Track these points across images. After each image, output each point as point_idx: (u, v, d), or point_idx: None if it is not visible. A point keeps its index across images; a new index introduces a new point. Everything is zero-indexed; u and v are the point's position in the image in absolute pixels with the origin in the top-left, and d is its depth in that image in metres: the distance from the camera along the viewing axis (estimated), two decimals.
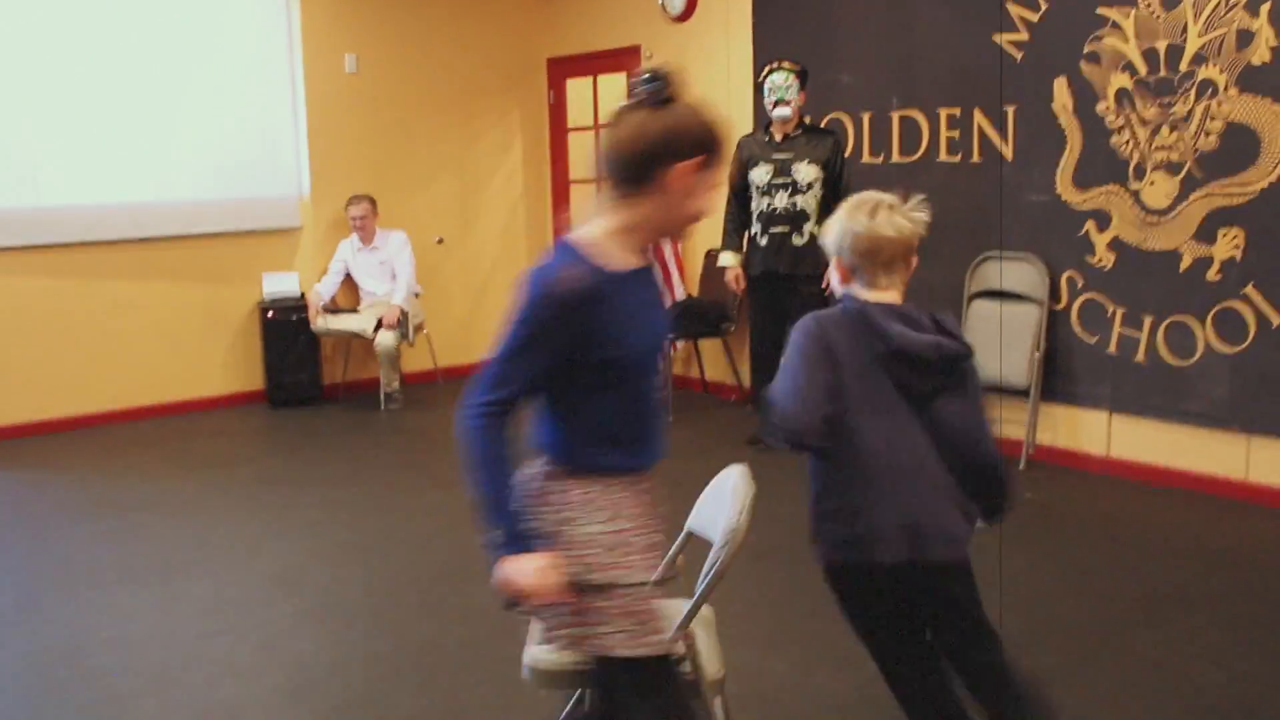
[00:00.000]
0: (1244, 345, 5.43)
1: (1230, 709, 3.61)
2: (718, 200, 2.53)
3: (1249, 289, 5.39)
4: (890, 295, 2.69)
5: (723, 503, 2.87)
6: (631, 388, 2.39)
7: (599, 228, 2.34)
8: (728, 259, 6.57)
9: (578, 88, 8.90)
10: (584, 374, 2.33)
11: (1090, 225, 5.90)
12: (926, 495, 2.65)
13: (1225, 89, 5.35)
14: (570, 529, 2.40)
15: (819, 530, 2.76)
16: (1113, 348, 5.89)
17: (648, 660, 2.40)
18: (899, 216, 2.66)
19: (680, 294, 7.77)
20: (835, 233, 2.72)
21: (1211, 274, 5.50)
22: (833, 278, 2.77)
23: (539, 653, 2.77)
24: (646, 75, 2.28)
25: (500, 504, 2.34)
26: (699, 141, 2.28)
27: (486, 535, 2.34)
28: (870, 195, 2.72)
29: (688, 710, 2.55)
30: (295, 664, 4.05)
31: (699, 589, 2.69)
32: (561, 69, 8.97)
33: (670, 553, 2.98)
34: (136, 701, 3.79)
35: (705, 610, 2.79)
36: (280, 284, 8.06)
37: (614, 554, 2.41)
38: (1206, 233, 5.50)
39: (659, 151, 2.25)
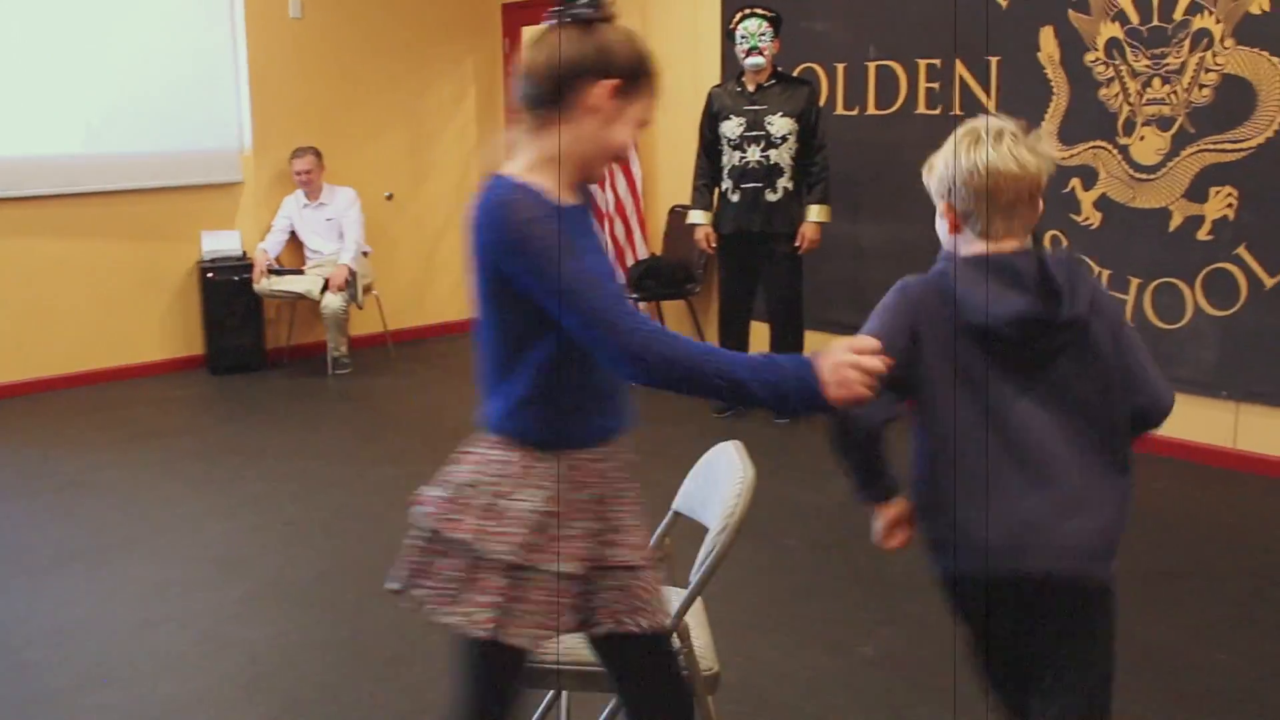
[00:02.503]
0: (1235, 308, 5.28)
1: (1235, 691, 3.50)
2: (637, 136, 2.17)
3: (1241, 250, 5.23)
4: (1008, 245, 2.22)
5: (715, 483, 2.69)
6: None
7: (521, 163, 2.12)
8: (697, 217, 6.30)
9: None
10: (533, 318, 2.07)
11: (1076, 182, 5.71)
12: (1029, 491, 2.19)
13: (1221, 40, 5.15)
14: (504, 502, 2.15)
15: (920, 529, 2.40)
16: None
17: (506, 648, 2.17)
18: (1024, 149, 2.19)
19: (642, 253, 7.50)
20: (943, 169, 2.25)
21: (1202, 234, 5.33)
22: (940, 227, 2.32)
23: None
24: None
25: (763, 373, 2.04)
26: (622, 64, 2.08)
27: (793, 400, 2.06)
28: (988, 122, 2.25)
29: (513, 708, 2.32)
30: (245, 654, 3.81)
31: (693, 578, 2.50)
32: (517, 16, 8.65)
33: (656, 534, 2.83)
34: (73, 698, 3.55)
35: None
36: (220, 242, 7.70)
37: (541, 537, 2.15)
38: (1198, 191, 5.32)
39: (575, 68, 2.06)
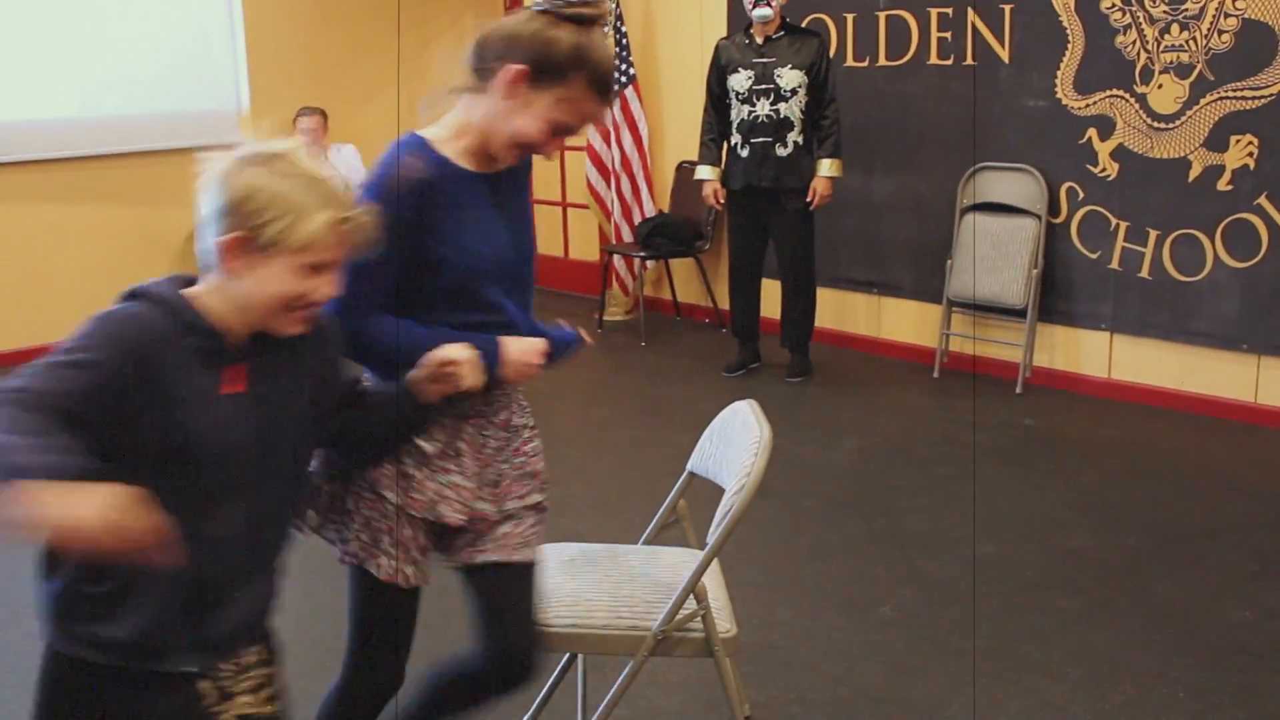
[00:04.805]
0: (1256, 260, 5.18)
1: (1261, 648, 3.45)
2: (545, 136, 2.19)
3: (1262, 200, 5.12)
4: None
5: (731, 443, 2.65)
6: (468, 303, 2.24)
7: (444, 123, 2.26)
8: (706, 172, 6.18)
9: None
10: (417, 281, 2.20)
11: (1092, 133, 5.58)
12: None
13: None
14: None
15: None
16: (1115, 263, 5.60)
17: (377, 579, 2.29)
18: None
19: (650, 210, 7.40)
20: None
21: (1222, 184, 5.22)
22: None
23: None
24: None
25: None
26: (537, 55, 2.12)
27: None
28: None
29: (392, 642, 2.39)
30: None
31: (710, 539, 2.44)
32: None
33: (671, 495, 2.83)
34: None
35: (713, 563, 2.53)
36: None
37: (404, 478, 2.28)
38: (1218, 140, 5.20)
39: (499, 47, 2.15)
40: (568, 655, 2.80)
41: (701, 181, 6.24)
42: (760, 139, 5.92)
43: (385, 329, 2.17)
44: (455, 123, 2.24)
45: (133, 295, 1.79)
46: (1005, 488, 4.70)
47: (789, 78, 5.83)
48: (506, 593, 2.35)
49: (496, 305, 2.27)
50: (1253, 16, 5.02)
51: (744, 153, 5.98)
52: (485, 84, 2.17)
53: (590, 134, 7.52)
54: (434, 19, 8.35)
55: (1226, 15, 5.09)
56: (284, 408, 1.88)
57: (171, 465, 1.73)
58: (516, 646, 2.34)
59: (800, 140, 5.88)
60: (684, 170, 7.27)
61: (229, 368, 1.80)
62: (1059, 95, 5.66)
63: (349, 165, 7.51)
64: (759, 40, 5.92)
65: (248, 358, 1.82)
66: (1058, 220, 5.77)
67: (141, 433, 1.70)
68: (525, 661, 2.35)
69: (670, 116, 7.48)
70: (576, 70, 2.13)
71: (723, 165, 6.15)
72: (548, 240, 8.76)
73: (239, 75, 7.59)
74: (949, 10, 5.99)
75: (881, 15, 6.27)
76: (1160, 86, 5.34)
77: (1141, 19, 5.35)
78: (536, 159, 2.33)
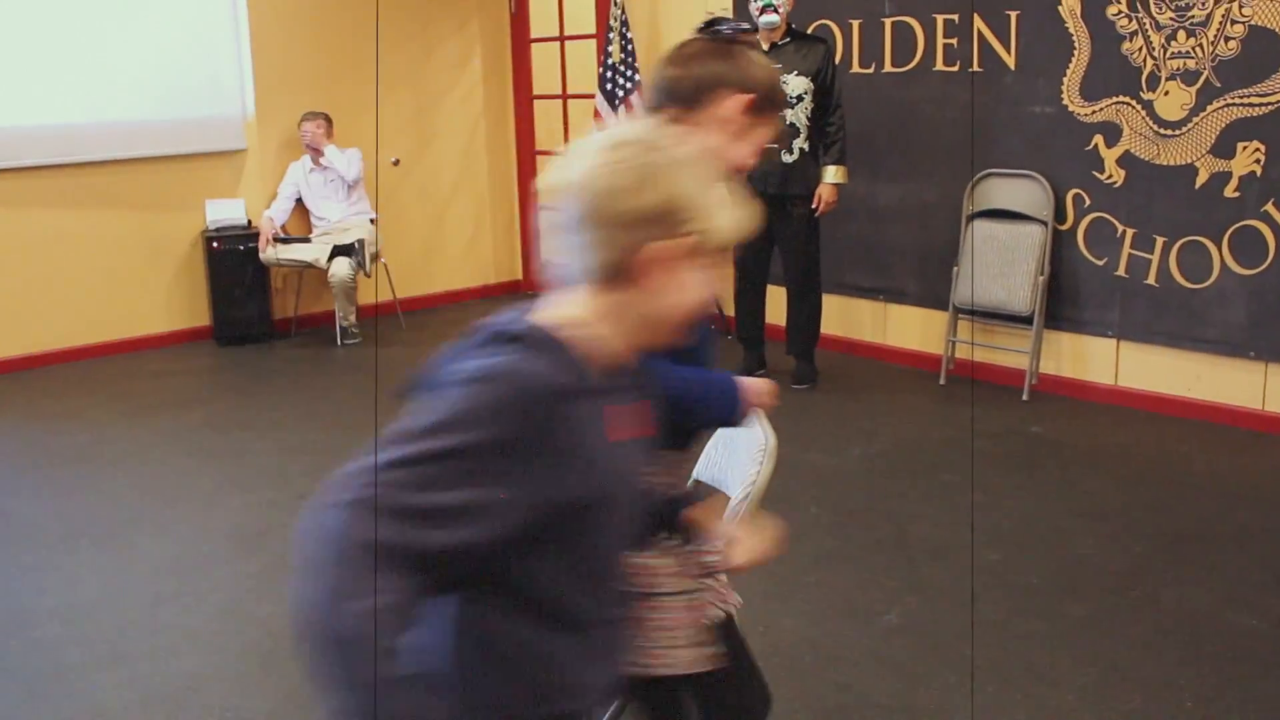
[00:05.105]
0: (1263, 267, 5.16)
1: (1269, 655, 3.44)
2: (752, 162, 2.22)
3: (1269, 207, 5.11)
4: None
5: (736, 450, 2.64)
6: None
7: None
8: None
9: None
10: None
11: (1099, 139, 5.57)
12: None
13: None
14: None
15: None
16: (1122, 270, 5.59)
17: None
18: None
19: None
20: None
21: (1229, 190, 5.20)
22: None
23: None
24: (712, 19, 2.27)
25: None
26: (759, 83, 2.17)
27: None
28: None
29: None
30: (261, 629, 3.74)
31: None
32: None
33: None
34: (87, 675, 3.48)
35: None
36: (225, 211, 7.58)
37: None
38: (1224, 146, 5.19)
39: (716, 78, 2.16)
40: None
41: None
42: (766, 145, 5.91)
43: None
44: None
45: (499, 338, 1.50)
46: (1010, 495, 4.68)
47: (795, 84, 5.83)
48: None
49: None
50: (1259, 23, 5.01)
51: None
52: (696, 112, 2.16)
53: None
54: (437, 24, 8.35)
55: (1233, 22, 5.08)
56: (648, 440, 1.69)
57: (573, 530, 1.50)
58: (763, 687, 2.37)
59: (806, 147, 5.88)
60: None
61: (614, 406, 1.55)
62: (1065, 102, 5.65)
63: (351, 164, 7.51)
64: (765, 47, 5.91)
65: (628, 392, 1.60)
66: (1064, 227, 5.76)
67: (538, 508, 1.44)
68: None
69: None
70: (777, 93, 2.24)
71: None
72: None
73: (244, 81, 7.60)
74: (954, 17, 5.98)
75: (887, 22, 6.26)
76: (1167, 93, 5.33)
77: (1148, 25, 5.34)
78: None
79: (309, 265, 7.40)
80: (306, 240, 7.51)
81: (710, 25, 2.26)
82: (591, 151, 1.51)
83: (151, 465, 5.33)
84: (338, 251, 7.30)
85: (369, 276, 7.64)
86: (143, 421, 5.97)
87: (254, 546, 4.38)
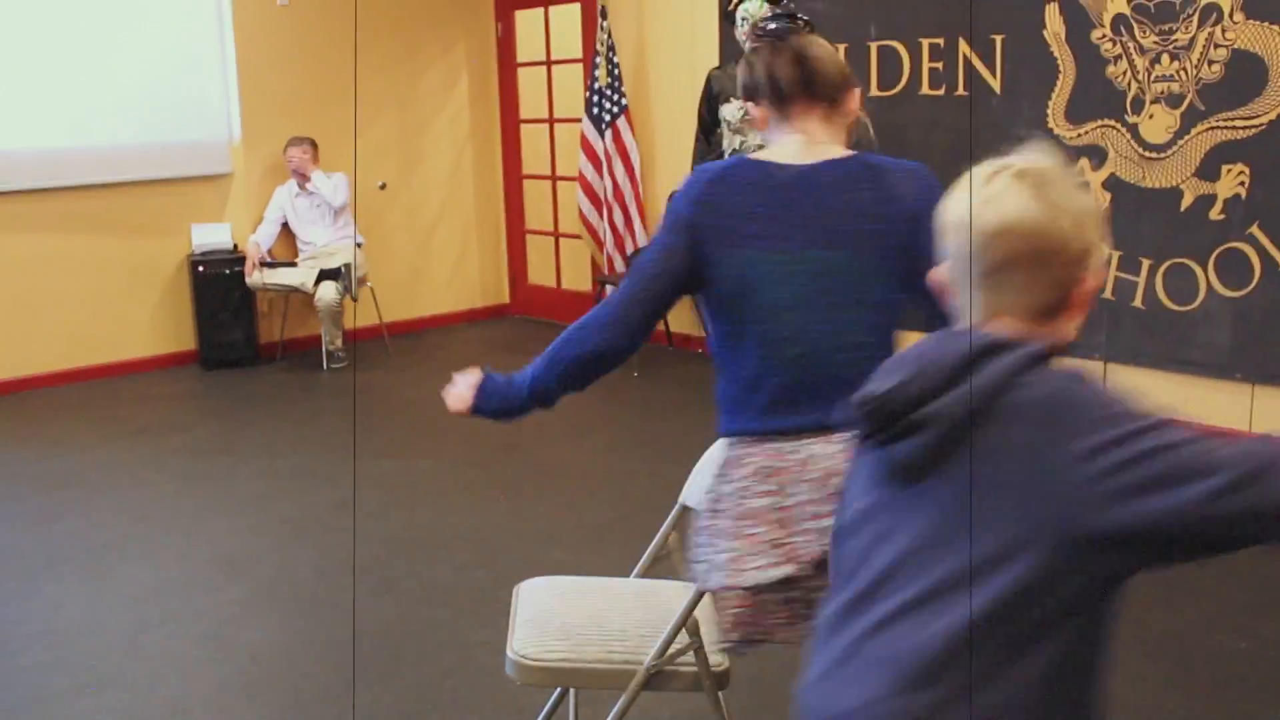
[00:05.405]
0: (1248, 289, 5.16)
1: (1258, 678, 3.44)
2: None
3: (1254, 229, 5.11)
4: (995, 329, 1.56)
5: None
6: None
7: (798, 143, 2.33)
8: None
9: (528, 20, 8.43)
10: None
11: (1084, 162, 5.59)
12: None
13: (1230, 14, 5.04)
14: None
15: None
16: (1108, 293, 5.60)
17: None
18: (1029, 193, 1.51)
19: (642, 240, 7.40)
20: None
21: (1214, 213, 5.21)
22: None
23: (523, 646, 2.50)
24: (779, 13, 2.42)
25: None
26: (852, 75, 2.42)
27: None
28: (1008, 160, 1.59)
29: None
30: (245, 656, 3.72)
31: None
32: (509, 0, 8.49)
33: (663, 528, 2.81)
34: (70, 702, 3.45)
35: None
36: (211, 235, 7.57)
37: None
38: (1209, 169, 5.21)
39: (838, 71, 2.35)
40: (559, 690, 2.77)
41: None
42: None
43: None
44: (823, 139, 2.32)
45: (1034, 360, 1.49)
46: None
47: None
48: None
49: None
50: (1242, 47, 5.04)
51: None
52: (839, 106, 2.33)
53: (582, 163, 7.53)
54: (423, 48, 8.36)
55: (1216, 46, 5.11)
56: None
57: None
58: None
59: None
60: None
61: None
62: (1051, 125, 5.67)
63: (337, 190, 7.50)
64: None
65: None
66: None
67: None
68: None
69: (662, 147, 7.48)
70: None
71: None
72: (541, 271, 8.75)
73: (230, 105, 7.59)
74: (940, 41, 6.00)
75: (873, 45, 6.29)
76: (1151, 116, 5.35)
77: (1132, 49, 5.36)
78: None
79: (295, 289, 7.38)
80: (293, 265, 7.49)
81: (788, 15, 2.36)
82: (1016, 189, 1.50)
83: (135, 490, 5.29)
84: (324, 276, 7.29)
85: (355, 301, 7.62)
86: (127, 446, 5.93)
87: (238, 573, 4.35)
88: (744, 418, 2.28)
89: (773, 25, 2.35)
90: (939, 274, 1.61)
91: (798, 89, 2.28)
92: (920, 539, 1.51)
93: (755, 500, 2.23)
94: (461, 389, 2.36)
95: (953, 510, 1.48)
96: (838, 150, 2.29)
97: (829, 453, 2.20)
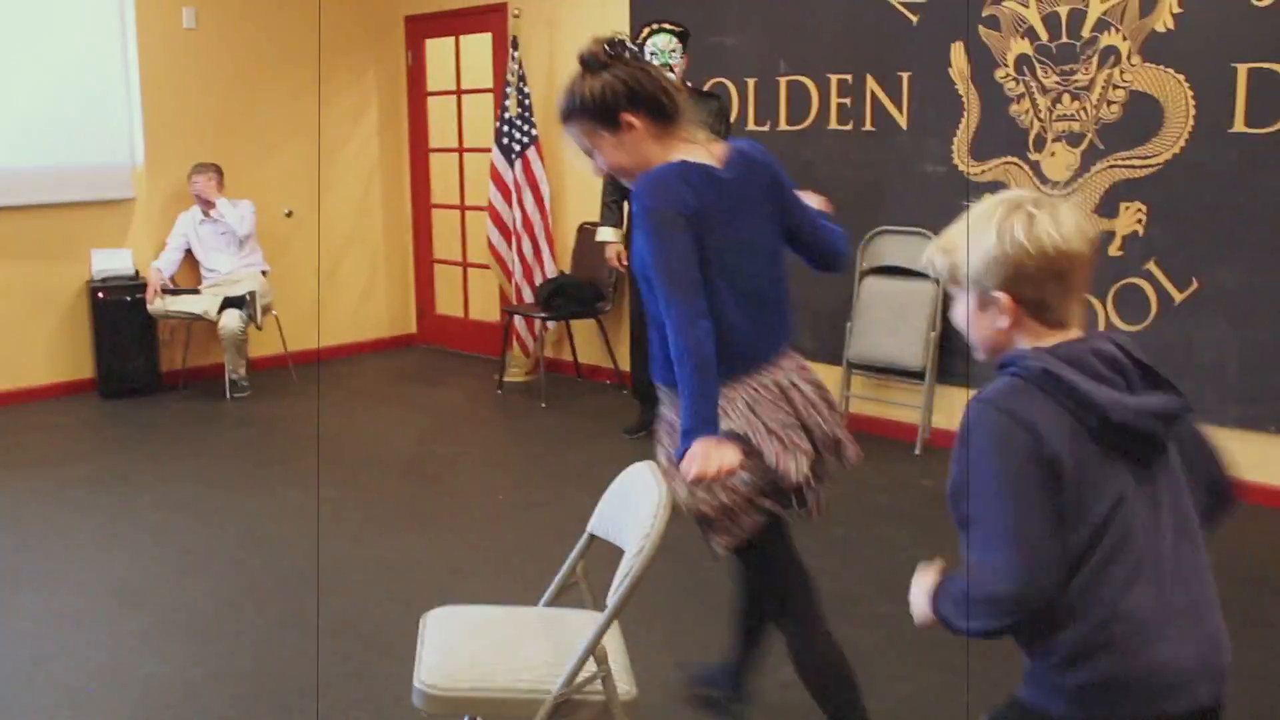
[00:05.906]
0: (1145, 323, 5.30)
1: (1235, 708, 3.42)
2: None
3: (1151, 265, 5.26)
4: (1075, 333, 1.88)
5: (630, 505, 2.64)
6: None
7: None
8: (608, 234, 6.19)
9: (438, 49, 8.41)
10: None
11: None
12: (1190, 608, 1.86)
13: (1128, 57, 5.19)
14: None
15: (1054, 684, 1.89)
16: None
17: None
18: (1076, 220, 1.85)
19: (551, 271, 7.38)
20: (994, 250, 1.85)
21: (1113, 249, 5.35)
22: (977, 320, 1.94)
23: (431, 676, 2.48)
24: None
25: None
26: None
27: None
28: (1018, 195, 1.91)
29: None
30: (144, 689, 3.62)
31: (611, 600, 2.45)
32: (421, 28, 8.47)
33: (571, 558, 2.85)
34: None
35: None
36: (111, 261, 7.41)
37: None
38: (1108, 206, 5.35)
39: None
40: (466, 719, 2.74)
41: (604, 244, 6.24)
42: None
43: None
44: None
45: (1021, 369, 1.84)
46: (904, 547, 4.71)
47: None
48: None
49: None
50: (1139, 89, 5.18)
51: None
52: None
53: (492, 194, 7.51)
54: (333, 76, 8.29)
55: (1115, 87, 5.25)
56: None
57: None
58: None
59: None
60: (585, 231, 7.28)
61: None
62: (955, 161, 5.78)
63: (243, 219, 7.39)
64: None
65: None
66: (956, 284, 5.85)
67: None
68: None
69: (572, 178, 7.49)
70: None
71: (624, 227, 6.17)
72: (448, 301, 8.70)
73: (134, 129, 7.46)
74: (848, 77, 6.10)
75: (782, 80, 6.36)
76: (1053, 154, 5.48)
77: (1034, 89, 5.49)
78: None
79: (198, 317, 7.25)
80: (196, 292, 7.36)
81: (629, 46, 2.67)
82: (1062, 208, 1.87)
83: (31, 521, 5.15)
84: (228, 303, 7.17)
85: (260, 329, 7.50)
86: (23, 476, 5.77)
87: (136, 604, 4.24)
88: (724, 367, 2.58)
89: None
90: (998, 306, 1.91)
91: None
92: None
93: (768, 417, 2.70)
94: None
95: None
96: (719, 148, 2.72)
97: (788, 369, 2.78)
